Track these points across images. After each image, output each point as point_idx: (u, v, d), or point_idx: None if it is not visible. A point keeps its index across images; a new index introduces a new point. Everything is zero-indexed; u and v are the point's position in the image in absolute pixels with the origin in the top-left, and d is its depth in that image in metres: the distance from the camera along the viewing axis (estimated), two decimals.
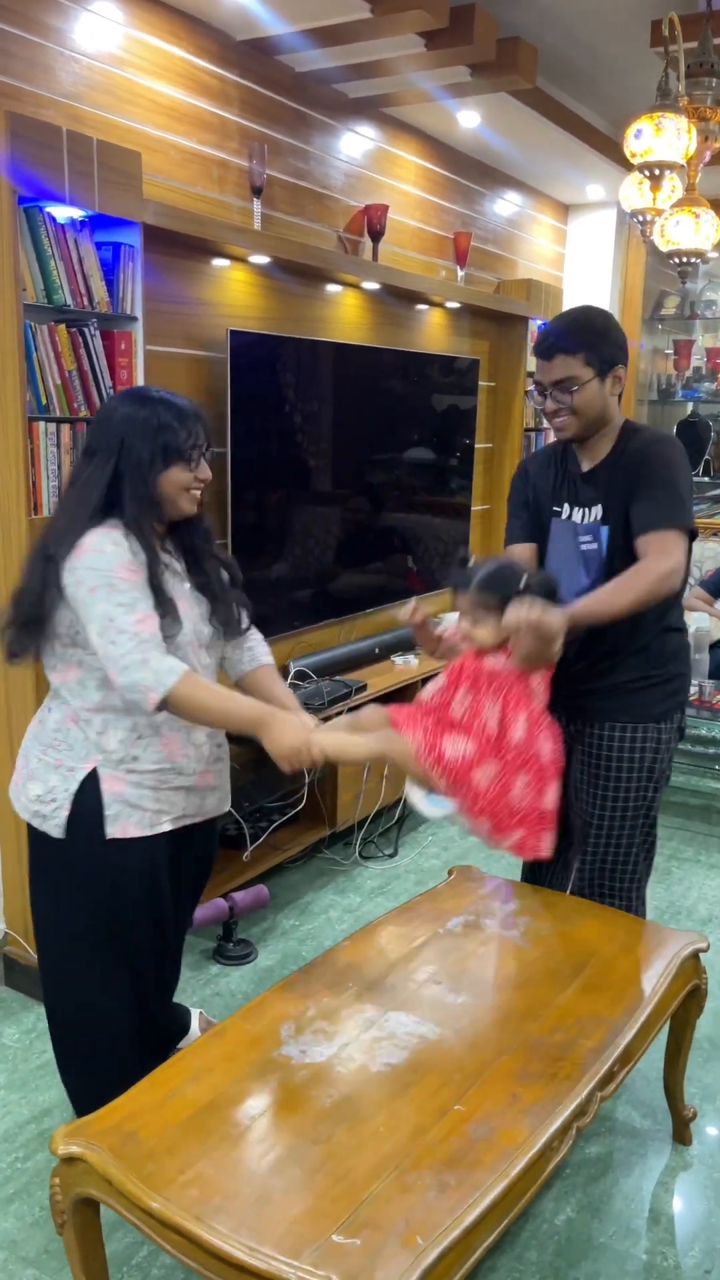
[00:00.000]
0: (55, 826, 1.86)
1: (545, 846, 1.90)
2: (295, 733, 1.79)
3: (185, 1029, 2.29)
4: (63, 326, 2.49)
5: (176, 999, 2.25)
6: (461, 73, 3.39)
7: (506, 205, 4.93)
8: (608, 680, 2.23)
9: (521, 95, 3.75)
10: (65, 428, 2.52)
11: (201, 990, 2.77)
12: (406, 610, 2.01)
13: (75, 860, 1.89)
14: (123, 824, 1.86)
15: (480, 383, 4.66)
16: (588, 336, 2.11)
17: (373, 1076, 1.65)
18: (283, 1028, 1.77)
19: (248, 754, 3.38)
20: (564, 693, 2.17)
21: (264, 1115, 1.56)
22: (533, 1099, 1.61)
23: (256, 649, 2.08)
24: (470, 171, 4.58)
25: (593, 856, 2.31)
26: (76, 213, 2.51)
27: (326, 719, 3.38)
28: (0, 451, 2.44)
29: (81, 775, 1.85)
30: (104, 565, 1.74)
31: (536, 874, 2.50)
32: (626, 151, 2.56)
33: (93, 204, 2.49)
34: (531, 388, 2.18)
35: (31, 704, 2.47)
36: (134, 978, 1.98)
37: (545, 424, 2.28)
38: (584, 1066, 1.69)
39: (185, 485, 1.86)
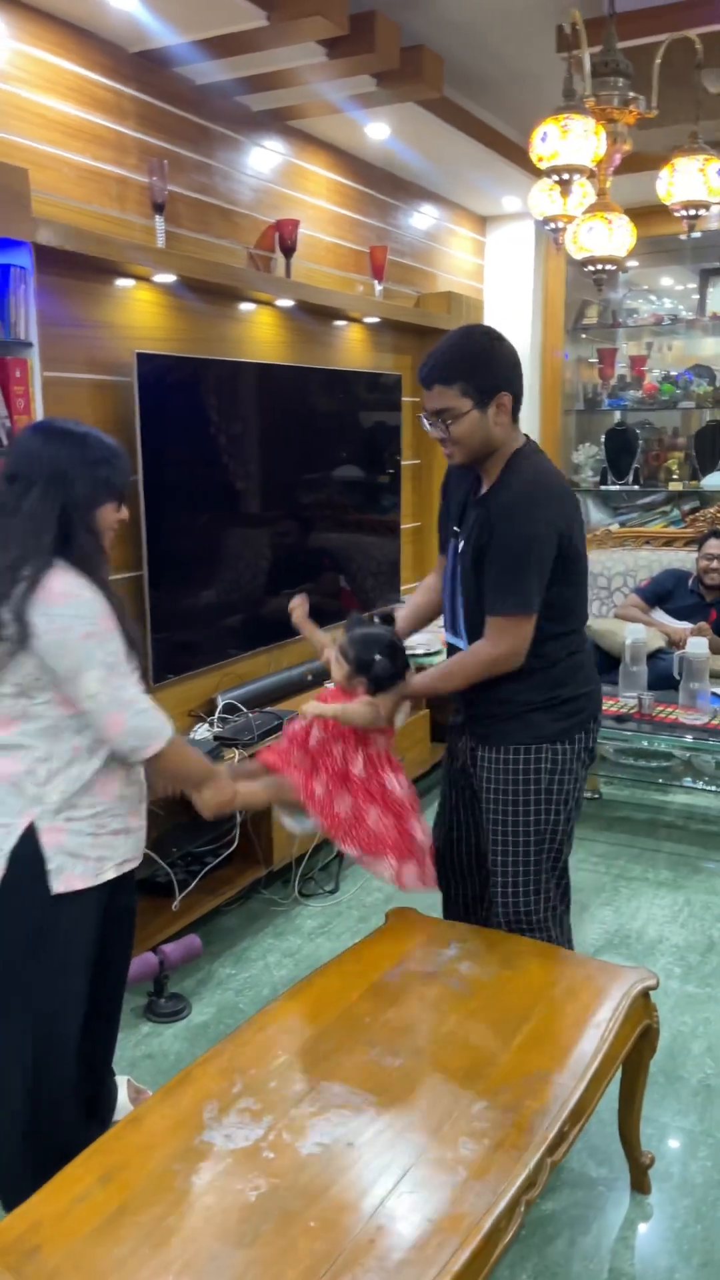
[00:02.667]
0: None
1: (429, 877, 2.13)
2: (226, 787, 2.00)
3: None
4: None
5: None
6: (366, 82, 3.30)
7: (423, 218, 4.86)
8: (501, 703, 2.14)
9: (430, 106, 3.68)
10: None
11: (132, 1052, 2.60)
12: (293, 603, 2.28)
13: (13, 923, 1.77)
14: (66, 876, 1.77)
15: (404, 398, 4.57)
16: (465, 366, 2.01)
17: (304, 1161, 1.51)
18: (205, 1109, 1.63)
19: (170, 797, 3.23)
20: (466, 717, 2.27)
21: (184, 1217, 1.41)
22: (476, 1174, 1.49)
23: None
24: (383, 185, 4.49)
25: (502, 886, 2.21)
26: None
27: (253, 756, 3.26)
28: None
29: (19, 831, 1.75)
30: (89, 612, 1.71)
31: (465, 913, 2.41)
32: (533, 156, 2.47)
33: None
34: (423, 414, 2.10)
35: None
36: (75, 1043, 1.86)
37: None
38: (531, 1131, 1.57)
39: (112, 524, 1.83)
